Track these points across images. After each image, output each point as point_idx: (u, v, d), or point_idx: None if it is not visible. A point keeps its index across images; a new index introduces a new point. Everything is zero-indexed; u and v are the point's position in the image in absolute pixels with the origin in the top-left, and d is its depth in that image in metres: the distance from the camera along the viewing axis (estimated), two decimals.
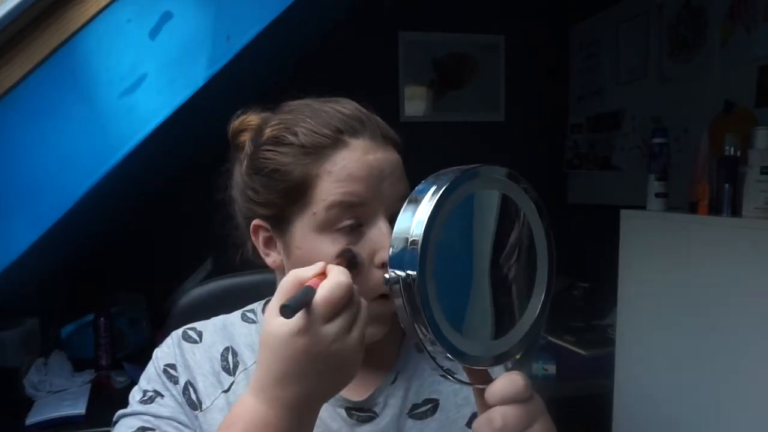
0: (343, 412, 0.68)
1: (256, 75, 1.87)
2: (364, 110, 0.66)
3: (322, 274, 0.52)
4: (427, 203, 0.45)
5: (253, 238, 0.68)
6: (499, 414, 0.46)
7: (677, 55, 1.97)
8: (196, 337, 0.71)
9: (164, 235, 2.05)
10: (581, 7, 2.46)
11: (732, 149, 1.39)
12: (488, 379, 0.48)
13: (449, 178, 0.46)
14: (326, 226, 0.61)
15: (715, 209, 1.40)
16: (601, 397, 1.63)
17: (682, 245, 1.43)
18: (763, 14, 1.61)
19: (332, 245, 0.61)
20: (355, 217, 0.61)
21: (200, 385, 0.67)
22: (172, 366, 0.68)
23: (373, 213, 0.62)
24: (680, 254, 1.43)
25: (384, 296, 0.61)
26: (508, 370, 0.49)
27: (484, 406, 0.48)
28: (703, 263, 1.36)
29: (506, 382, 0.47)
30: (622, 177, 2.29)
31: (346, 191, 0.60)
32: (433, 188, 0.45)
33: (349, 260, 0.58)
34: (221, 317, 0.75)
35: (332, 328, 0.49)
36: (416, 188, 0.48)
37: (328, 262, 0.58)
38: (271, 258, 0.68)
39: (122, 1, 1.11)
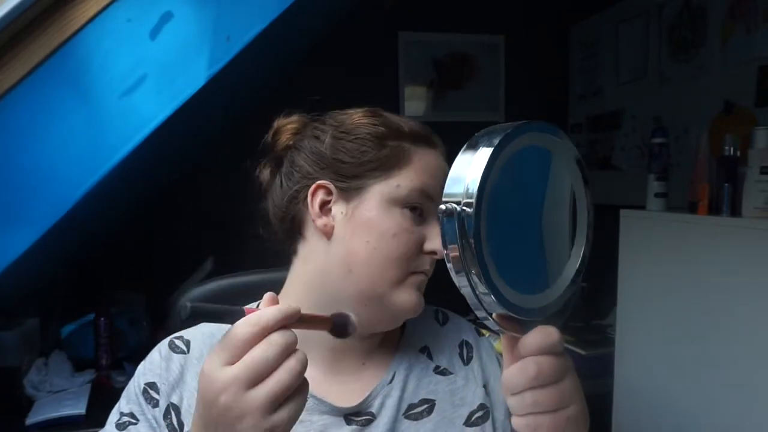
0: (341, 420, 0.67)
1: (256, 75, 1.87)
2: None
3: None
4: (486, 147, 0.46)
5: (309, 199, 0.68)
6: (534, 362, 0.46)
7: (677, 55, 1.97)
8: (183, 347, 0.69)
9: (164, 234, 2.05)
10: (581, 7, 2.46)
11: (732, 149, 1.39)
12: (520, 331, 0.48)
13: (509, 128, 0.47)
14: (400, 202, 0.66)
15: (714, 209, 1.40)
16: (601, 397, 1.63)
17: (681, 245, 1.43)
18: (763, 14, 1.61)
19: (401, 218, 0.66)
20: (422, 205, 0.67)
21: (185, 403, 0.65)
22: (153, 385, 0.66)
23: (432, 210, 0.68)
24: (680, 254, 1.43)
25: (422, 272, 0.68)
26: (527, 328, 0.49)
27: (514, 357, 0.48)
28: (703, 263, 1.36)
29: (542, 333, 0.47)
30: (622, 177, 2.29)
31: (428, 182, 0.68)
32: (493, 135, 0.47)
33: (338, 325, 0.54)
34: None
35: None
36: (476, 134, 0.48)
37: (393, 233, 0.65)
38: (322, 221, 0.68)
39: (122, 1, 1.11)
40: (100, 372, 1.66)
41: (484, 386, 0.74)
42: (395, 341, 0.75)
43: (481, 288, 0.45)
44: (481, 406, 0.72)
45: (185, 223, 2.04)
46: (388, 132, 0.69)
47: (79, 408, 1.43)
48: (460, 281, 0.46)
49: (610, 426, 1.62)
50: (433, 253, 0.67)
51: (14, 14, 1.04)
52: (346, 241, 0.67)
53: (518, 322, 0.48)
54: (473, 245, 0.44)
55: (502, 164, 0.46)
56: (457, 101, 2.52)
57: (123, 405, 0.66)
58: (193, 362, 0.68)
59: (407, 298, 0.67)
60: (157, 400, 0.65)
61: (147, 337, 1.88)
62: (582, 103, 2.55)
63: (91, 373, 1.63)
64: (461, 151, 0.47)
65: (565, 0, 2.52)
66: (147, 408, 0.65)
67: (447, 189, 0.46)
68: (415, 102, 2.48)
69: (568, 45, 2.62)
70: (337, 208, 0.68)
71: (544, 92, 2.59)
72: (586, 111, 2.52)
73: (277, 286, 0.74)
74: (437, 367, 0.74)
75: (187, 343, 0.70)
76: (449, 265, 0.46)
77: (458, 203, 0.45)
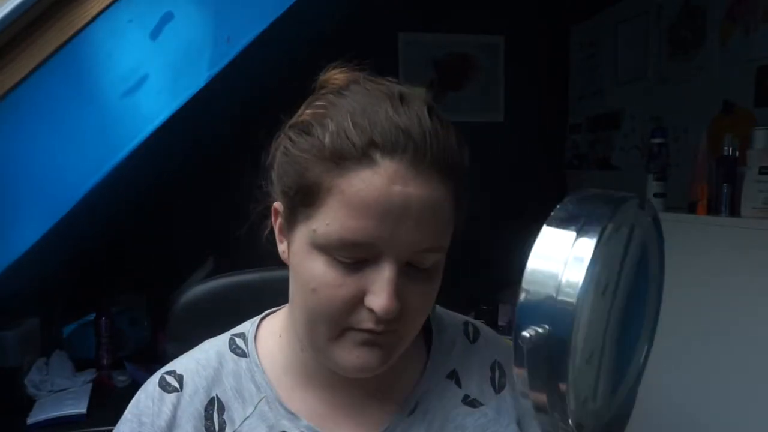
0: None
1: (256, 76, 1.87)
2: (428, 121, 0.51)
3: None
4: (586, 239, 0.34)
5: (272, 219, 0.60)
6: None
7: (677, 55, 1.97)
8: (175, 383, 0.60)
9: (165, 233, 2.06)
10: (581, 7, 2.46)
11: (731, 149, 1.39)
12: None
13: (610, 209, 0.35)
14: (323, 249, 0.51)
15: (713, 209, 1.40)
16: None
17: (680, 245, 1.43)
18: (763, 14, 1.62)
19: (324, 268, 0.51)
20: (356, 254, 0.51)
21: None
22: None
23: (380, 253, 0.50)
24: (678, 254, 1.43)
25: (363, 330, 0.52)
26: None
27: None
28: (702, 263, 1.37)
29: None
30: (621, 177, 2.29)
31: (352, 227, 0.49)
32: (590, 220, 0.35)
33: None
34: (208, 345, 0.64)
35: None
36: (556, 215, 0.36)
37: (312, 287, 0.51)
38: (281, 248, 0.59)
39: (123, 2, 1.11)
40: (101, 371, 1.66)
41: (518, 423, 0.63)
42: (420, 364, 0.64)
43: (562, 425, 0.36)
44: None
45: (185, 223, 2.04)
46: (313, 151, 0.51)
47: (80, 407, 1.43)
48: (539, 418, 0.36)
49: None
50: (372, 311, 0.51)
51: (15, 14, 1.05)
52: (291, 280, 0.57)
53: None
54: (566, 388, 0.34)
55: (601, 262, 0.34)
56: (457, 101, 2.52)
57: None
58: (187, 401, 0.59)
59: (345, 357, 0.53)
60: None
61: (147, 337, 1.89)
62: (582, 103, 2.55)
63: (91, 372, 1.63)
64: (540, 238, 0.35)
65: (565, 0, 2.52)
66: None
67: (524, 300, 0.34)
68: None
69: (568, 45, 2.62)
70: (284, 238, 0.58)
71: (544, 92, 2.59)
72: (586, 111, 2.52)
73: (276, 286, 0.74)
74: (466, 396, 0.63)
75: (180, 379, 0.60)
76: (519, 388, 0.36)
77: (542, 323, 0.33)
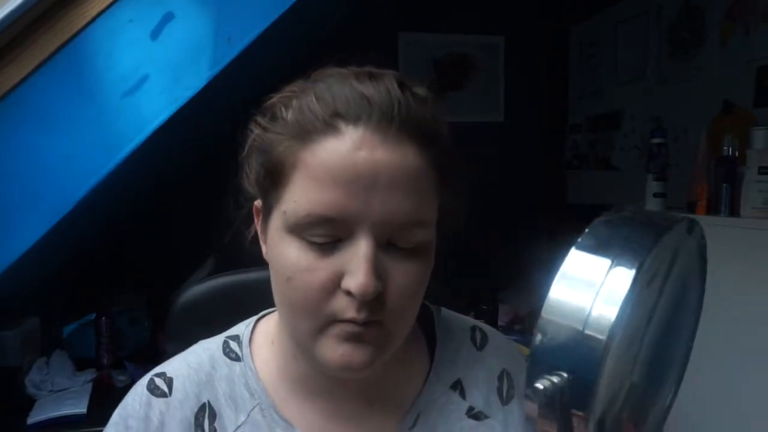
0: None
1: (256, 76, 1.87)
2: (397, 92, 0.49)
3: None
4: (623, 270, 0.30)
5: (255, 220, 0.58)
6: None
7: (677, 55, 1.97)
8: (164, 387, 0.57)
9: (165, 233, 2.06)
10: (581, 7, 2.46)
11: (730, 149, 1.39)
12: None
13: (651, 236, 0.31)
14: (295, 230, 0.49)
15: (713, 209, 1.40)
16: None
17: None
18: (763, 14, 1.62)
19: (298, 252, 0.48)
20: (329, 232, 0.48)
21: None
22: None
23: (353, 227, 0.47)
24: None
25: (346, 320, 0.48)
26: None
27: None
28: None
29: None
30: (621, 177, 2.29)
31: (319, 199, 0.47)
32: (627, 249, 0.31)
33: None
34: (201, 349, 0.61)
35: None
36: (586, 240, 0.32)
37: (287, 276, 0.49)
38: (264, 249, 0.56)
39: (124, 2, 1.12)
40: (101, 371, 1.66)
41: None
42: (423, 372, 0.61)
43: None
44: None
45: (185, 223, 2.05)
46: (278, 130, 0.51)
47: (80, 407, 1.43)
48: None
49: None
50: (350, 294, 0.47)
51: (16, 14, 1.05)
52: (271, 277, 0.54)
53: None
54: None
55: (633, 301, 0.30)
56: (457, 101, 2.53)
57: None
58: (176, 406, 0.56)
59: (330, 354, 0.49)
60: None
61: (147, 337, 1.89)
62: (582, 103, 2.55)
63: (92, 372, 1.63)
64: (567, 264, 0.31)
65: (565, 0, 2.52)
66: None
67: (539, 342, 0.30)
68: None
69: (568, 45, 2.62)
70: (264, 236, 0.55)
71: (544, 92, 2.59)
72: (586, 111, 2.52)
73: None
74: (471, 408, 0.60)
75: (170, 383, 0.57)
76: None
77: (561, 373, 0.29)
